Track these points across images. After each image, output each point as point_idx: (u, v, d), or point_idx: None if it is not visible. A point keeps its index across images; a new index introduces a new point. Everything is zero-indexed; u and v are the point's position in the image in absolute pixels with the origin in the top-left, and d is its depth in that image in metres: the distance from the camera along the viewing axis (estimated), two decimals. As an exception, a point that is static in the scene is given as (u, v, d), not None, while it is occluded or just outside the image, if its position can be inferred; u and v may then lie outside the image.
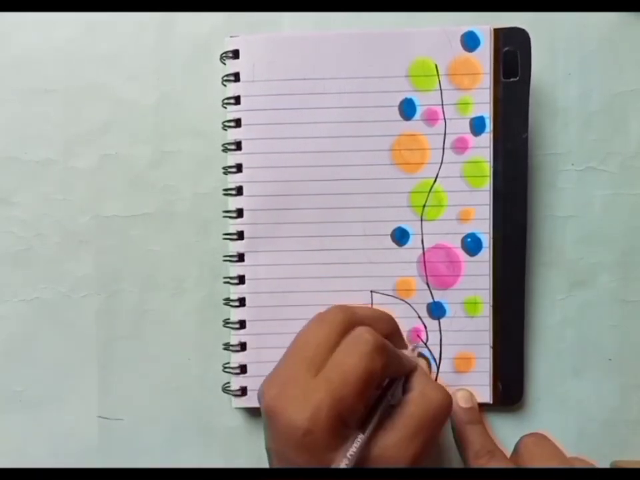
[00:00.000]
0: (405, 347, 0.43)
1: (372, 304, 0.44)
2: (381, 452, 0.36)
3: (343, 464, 0.34)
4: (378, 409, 0.37)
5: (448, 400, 0.38)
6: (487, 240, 0.44)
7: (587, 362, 0.46)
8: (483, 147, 0.44)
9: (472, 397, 0.44)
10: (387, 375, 0.38)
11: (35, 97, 0.46)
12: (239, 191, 0.44)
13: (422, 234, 0.44)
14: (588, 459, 0.41)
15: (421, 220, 0.44)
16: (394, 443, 0.36)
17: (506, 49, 0.43)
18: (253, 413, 0.46)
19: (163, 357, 0.46)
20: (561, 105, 0.46)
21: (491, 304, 0.44)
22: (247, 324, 0.44)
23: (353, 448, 0.34)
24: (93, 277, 0.46)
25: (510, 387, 0.45)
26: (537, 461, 0.41)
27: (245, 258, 0.44)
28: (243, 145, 0.44)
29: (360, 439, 0.35)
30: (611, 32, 0.46)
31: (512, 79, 0.44)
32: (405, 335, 0.44)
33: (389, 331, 0.41)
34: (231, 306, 0.44)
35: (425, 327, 0.45)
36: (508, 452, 0.43)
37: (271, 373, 0.38)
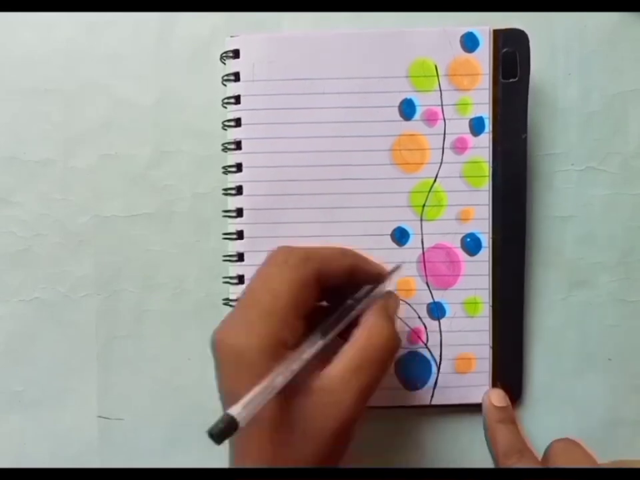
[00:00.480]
0: (377, 275, 0.40)
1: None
2: (324, 383, 0.35)
3: (296, 365, 0.32)
4: (338, 317, 0.36)
5: (393, 341, 0.37)
6: (486, 240, 0.44)
7: (587, 362, 0.47)
8: (482, 147, 0.44)
9: (505, 397, 0.44)
10: (330, 279, 0.37)
11: (35, 97, 0.46)
12: (239, 190, 0.44)
13: (422, 234, 0.44)
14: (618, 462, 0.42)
15: (421, 220, 0.44)
16: (338, 375, 0.35)
17: (505, 50, 0.44)
18: (252, 413, 0.46)
19: (162, 357, 0.46)
20: (561, 105, 0.46)
21: (491, 304, 0.45)
22: (247, 324, 0.44)
23: (308, 352, 0.33)
24: (93, 277, 0.46)
25: (510, 387, 0.45)
26: (565, 465, 0.41)
27: (245, 258, 0.44)
28: (243, 144, 0.44)
29: (318, 344, 0.34)
30: (611, 32, 0.46)
31: (511, 80, 0.44)
32: (404, 335, 0.45)
33: (350, 264, 0.39)
34: (231, 306, 0.44)
35: (425, 327, 0.45)
36: (539, 454, 0.44)
37: (226, 321, 0.37)
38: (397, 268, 0.42)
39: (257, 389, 0.30)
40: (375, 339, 0.36)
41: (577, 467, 0.40)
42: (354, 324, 0.37)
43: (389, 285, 0.41)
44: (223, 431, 0.28)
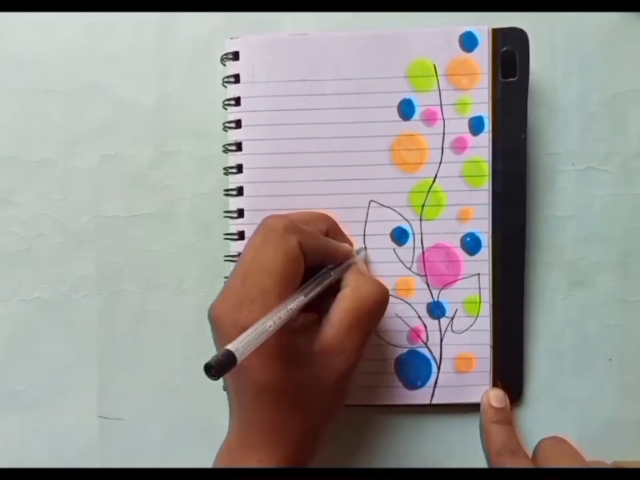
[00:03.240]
0: (349, 243, 0.45)
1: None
2: (322, 347, 0.38)
3: (282, 314, 0.35)
4: (318, 280, 0.40)
5: (380, 292, 0.41)
6: (486, 239, 0.45)
7: (587, 362, 0.47)
8: (481, 147, 0.45)
9: (504, 397, 0.46)
10: (311, 254, 0.40)
11: (35, 97, 0.47)
12: (240, 191, 0.45)
13: (421, 233, 0.46)
14: (606, 462, 0.43)
15: (420, 220, 0.45)
16: (333, 337, 0.39)
17: (504, 49, 0.45)
18: (253, 412, 0.47)
19: (163, 357, 0.47)
20: (561, 105, 0.47)
21: (491, 303, 0.46)
22: (247, 323, 0.46)
23: (293, 304, 0.36)
24: (94, 277, 0.47)
25: (510, 386, 0.46)
26: (553, 462, 0.42)
27: (246, 258, 0.46)
28: (244, 145, 0.45)
29: (300, 300, 0.37)
30: (611, 32, 0.47)
31: (510, 79, 0.45)
32: (404, 334, 0.46)
33: (326, 229, 0.43)
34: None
35: (425, 326, 0.46)
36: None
37: (221, 296, 0.40)
38: (361, 248, 0.46)
39: (249, 331, 0.32)
40: (362, 295, 0.40)
41: (568, 466, 0.42)
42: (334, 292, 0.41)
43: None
44: (221, 364, 0.30)
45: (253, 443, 0.38)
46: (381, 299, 0.41)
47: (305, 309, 0.38)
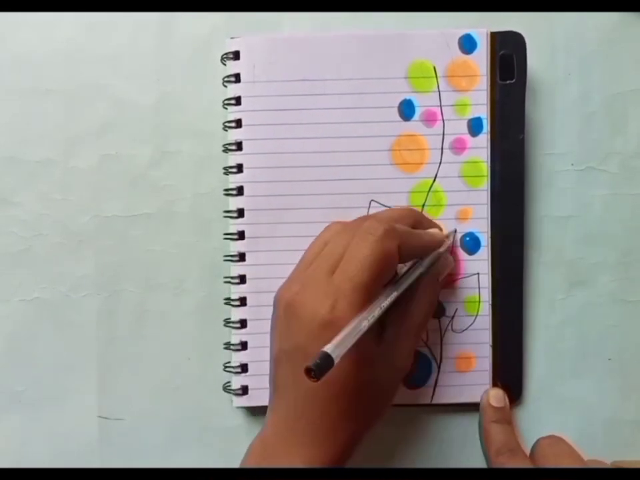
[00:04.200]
0: (438, 228, 0.46)
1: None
2: (386, 347, 0.40)
3: (377, 312, 0.36)
4: (408, 275, 0.41)
5: (432, 310, 0.44)
6: (485, 239, 0.46)
7: (587, 362, 0.48)
8: (480, 148, 0.46)
9: (504, 397, 0.46)
10: (408, 254, 0.41)
11: (35, 97, 0.47)
12: (240, 191, 0.46)
13: (421, 233, 0.46)
14: (604, 461, 0.43)
15: (421, 219, 0.46)
16: (396, 338, 0.40)
17: (502, 52, 0.45)
18: (253, 412, 0.47)
19: (163, 357, 0.48)
20: (561, 105, 0.48)
21: (491, 303, 0.46)
22: (248, 323, 0.46)
23: (386, 301, 0.37)
24: (93, 277, 0.48)
25: (509, 386, 0.47)
26: (552, 461, 0.43)
27: (246, 257, 0.46)
28: (244, 145, 0.46)
29: (393, 296, 0.38)
30: (611, 32, 0.47)
31: (508, 82, 0.46)
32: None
33: (413, 223, 0.43)
34: (232, 305, 0.46)
35: None
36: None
37: (288, 279, 0.40)
38: (452, 232, 0.46)
39: (344, 331, 0.33)
40: (426, 308, 0.43)
41: (566, 466, 0.42)
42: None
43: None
44: (320, 366, 0.31)
45: (298, 441, 0.38)
46: (432, 315, 0.45)
47: None
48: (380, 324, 0.40)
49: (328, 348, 0.32)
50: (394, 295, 0.38)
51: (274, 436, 0.38)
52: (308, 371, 0.31)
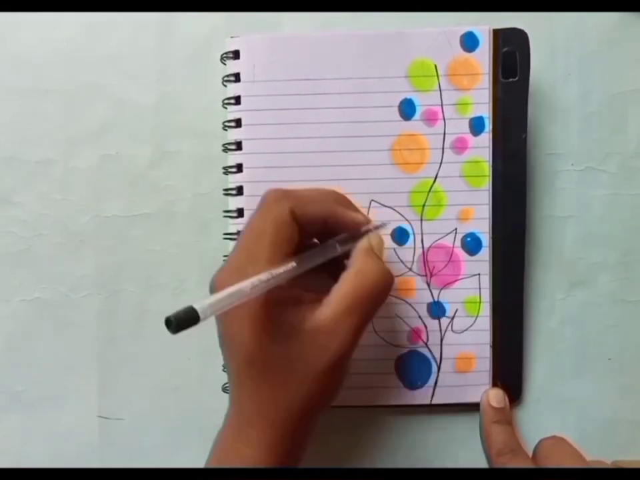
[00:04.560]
0: (356, 226, 0.42)
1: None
2: (315, 326, 0.37)
3: (264, 277, 0.34)
4: (319, 251, 0.39)
5: (385, 278, 0.39)
6: (486, 239, 0.46)
7: (587, 362, 0.48)
8: (482, 147, 0.46)
9: (504, 397, 0.46)
10: (307, 220, 0.39)
11: (35, 97, 0.48)
12: (240, 190, 0.46)
13: (422, 233, 0.46)
14: (606, 461, 0.43)
15: (421, 220, 0.46)
16: (330, 317, 0.37)
17: (505, 49, 0.45)
18: (253, 412, 0.48)
19: (163, 357, 0.48)
20: (561, 105, 0.48)
21: (491, 303, 0.47)
22: (248, 323, 0.47)
23: (280, 270, 0.35)
24: (93, 277, 0.48)
25: (510, 386, 0.47)
26: (554, 462, 0.43)
27: (246, 257, 0.47)
28: (244, 145, 0.46)
29: (290, 266, 0.36)
30: (611, 32, 0.48)
31: (511, 80, 0.46)
32: (405, 334, 0.47)
33: (326, 210, 0.41)
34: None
35: (426, 326, 0.47)
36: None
37: (222, 266, 0.39)
38: (380, 226, 0.43)
39: (224, 292, 0.32)
40: (364, 279, 0.39)
41: (568, 466, 0.42)
42: (342, 268, 0.40)
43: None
44: (180, 320, 0.30)
45: (241, 425, 0.38)
46: (383, 286, 0.40)
47: (307, 287, 0.38)
48: (315, 302, 0.39)
49: (197, 304, 0.30)
50: (291, 265, 0.36)
51: (228, 425, 0.39)
52: (167, 323, 0.30)
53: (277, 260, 0.37)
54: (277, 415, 0.37)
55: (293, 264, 0.36)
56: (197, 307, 0.30)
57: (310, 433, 0.39)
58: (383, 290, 0.40)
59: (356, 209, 0.43)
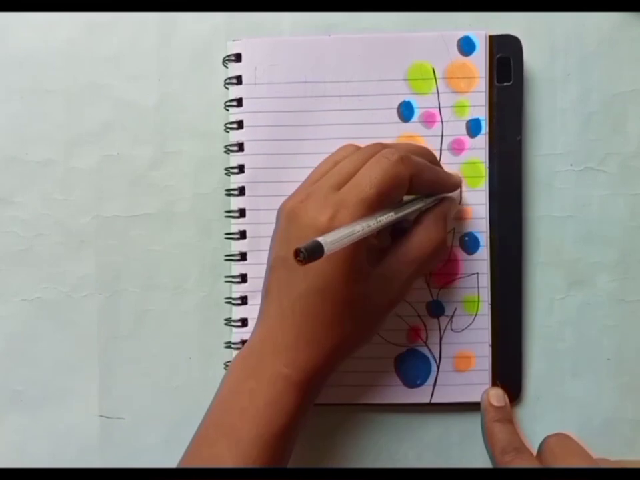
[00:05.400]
0: (459, 183, 0.47)
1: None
2: (383, 271, 0.42)
3: (372, 223, 0.38)
4: (411, 204, 0.43)
5: (443, 247, 0.45)
6: (484, 239, 0.47)
7: (586, 362, 0.49)
8: (479, 149, 0.47)
9: (504, 396, 0.47)
10: (419, 186, 0.42)
11: (35, 97, 0.48)
12: (241, 191, 0.47)
13: (421, 233, 0.47)
14: (612, 460, 0.44)
15: (421, 219, 0.47)
16: (394, 266, 0.42)
17: (499, 55, 0.47)
18: (253, 411, 0.49)
19: (164, 357, 0.49)
20: (560, 105, 0.48)
21: (490, 302, 0.47)
22: (249, 321, 0.47)
23: (384, 217, 0.39)
24: (94, 277, 0.49)
25: (509, 386, 0.48)
26: (560, 460, 0.43)
27: (247, 257, 0.47)
28: (245, 146, 0.47)
29: (389, 215, 0.39)
30: (611, 32, 0.48)
31: (505, 84, 0.47)
32: (404, 333, 0.48)
33: (429, 160, 0.44)
34: (233, 304, 0.47)
35: (425, 325, 0.48)
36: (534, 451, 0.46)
37: (293, 192, 0.42)
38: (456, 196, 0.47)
39: (339, 230, 0.35)
40: (429, 242, 0.43)
41: (576, 466, 0.42)
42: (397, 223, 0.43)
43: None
44: (309, 250, 0.32)
45: (282, 341, 0.40)
46: (439, 254, 0.45)
47: (374, 235, 0.41)
48: (381, 251, 0.42)
49: (321, 238, 0.33)
50: (391, 214, 0.39)
51: (260, 342, 0.41)
52: (297, 253, 0.32)
53: (381, 209, 0.40)
54: (319, 350, 0.40)
55: (392, 214, 0.40)
56: (321, 241, 0.33)
57: (326, 384, 0.42)
58: (437, 257, 0.45)
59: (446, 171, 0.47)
